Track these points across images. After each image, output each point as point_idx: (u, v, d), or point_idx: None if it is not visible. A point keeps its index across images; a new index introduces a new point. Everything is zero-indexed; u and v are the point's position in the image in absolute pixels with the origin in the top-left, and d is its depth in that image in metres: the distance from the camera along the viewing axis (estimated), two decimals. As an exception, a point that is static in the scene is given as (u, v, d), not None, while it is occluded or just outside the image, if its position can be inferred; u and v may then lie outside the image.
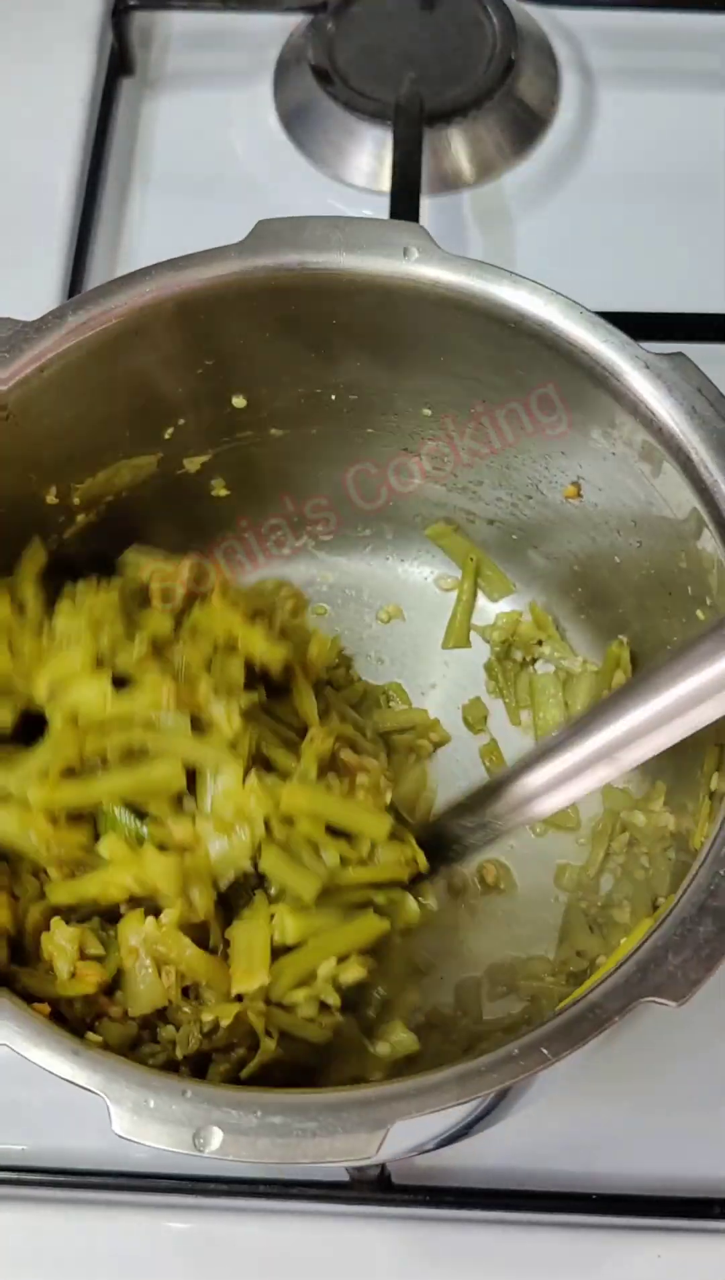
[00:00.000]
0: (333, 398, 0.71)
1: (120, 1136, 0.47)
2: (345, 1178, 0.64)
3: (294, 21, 0.99)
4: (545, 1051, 0.47)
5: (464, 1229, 0.65)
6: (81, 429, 0.66)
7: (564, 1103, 0.68)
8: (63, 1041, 0.49)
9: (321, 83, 0.95)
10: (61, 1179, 0.66)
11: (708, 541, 0.59)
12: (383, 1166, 0.64)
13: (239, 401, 0.70)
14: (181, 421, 0.70)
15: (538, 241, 0.92)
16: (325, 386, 0.70)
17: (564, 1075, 0.66)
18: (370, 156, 0.94)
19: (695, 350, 0.60)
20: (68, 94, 0.96)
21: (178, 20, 1.02)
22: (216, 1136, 0.47)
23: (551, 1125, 0.68)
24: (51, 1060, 0.49)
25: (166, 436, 0.70)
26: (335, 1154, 0.46)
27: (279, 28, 1.00)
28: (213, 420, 0.71)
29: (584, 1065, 0.68)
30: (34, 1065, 0.49)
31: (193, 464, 0.73)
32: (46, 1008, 0.53)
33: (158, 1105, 0.47)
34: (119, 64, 0.99)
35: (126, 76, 0.99)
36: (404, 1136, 0.49)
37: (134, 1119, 0.47)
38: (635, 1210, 0.65)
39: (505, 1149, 0.67)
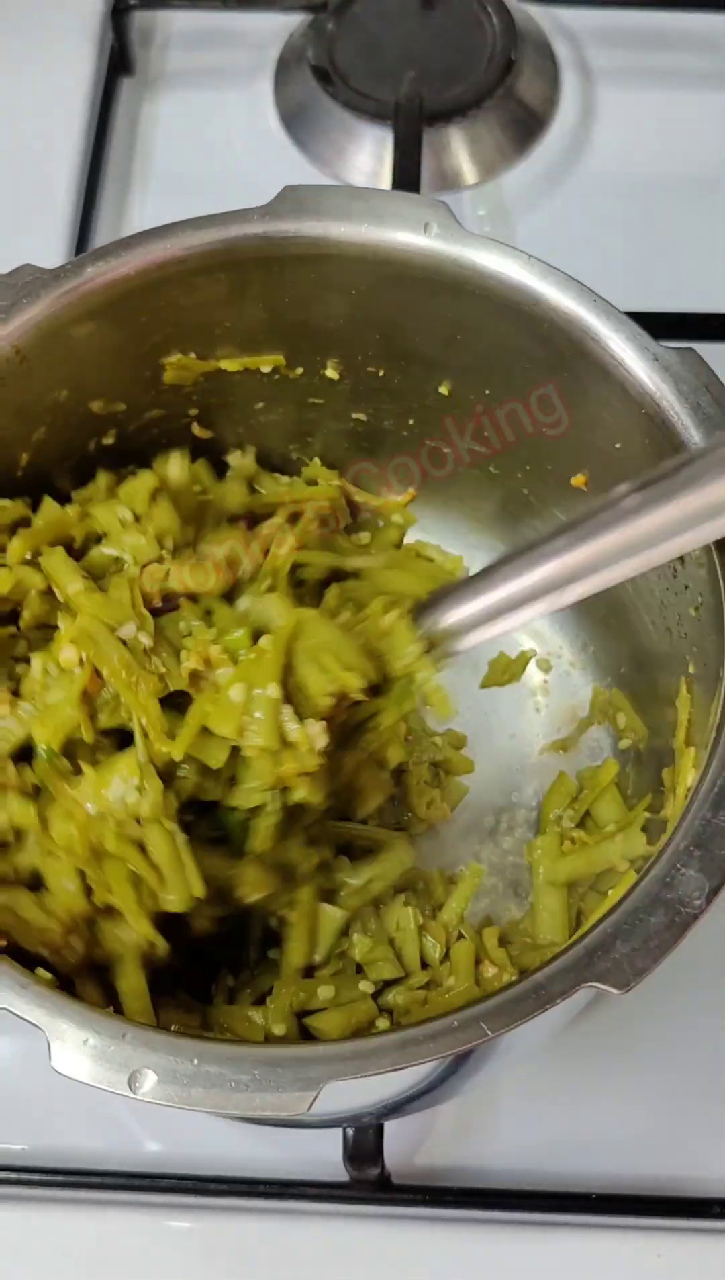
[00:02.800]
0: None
1: (57, 1072, 0.47)
2: (345, 1178, 0.64)
3: (294, 21, 0.99)
4: (484, 1026, 0.47)
5: (464, 1229, 0.65)
6: (92, 383, 0.66)
7: (563, 1103, 0.68)
8: (12, 975, 0.50)
9: (321, 82, 0.95)
10: (61, 1179, 0.66)
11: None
12: (382, 1166, 0.64)
13: (266, 365, 0.70)
14: (201, 381, 0.70)
15: (537, 241, 0.90)
16: (342, 357, 0.70)
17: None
18: (370, 156, 0.94)
19: (695, 349, 0.60)
20: (68, 94, 0.96)
21: (178, 20, 1.02)
22: (150, 1080, 0.47)
23: (551, 1125, 0.68)
24: None
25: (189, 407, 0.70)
26: (266, 1108, 0.46)
27: (279, 28, 1.00)
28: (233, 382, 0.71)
29: (583, 1065, 0.69)
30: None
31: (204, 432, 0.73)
32: (2, 940, 0.53)
33: (97, 1045, 0.48)
34: (119, 64, 0.99)
35: (126, 76, 1.00)
36: (340, 1098, 0.50)
37: (73, 1056, 0.48)
38: (635, 1210, 0.65)
39: (505, 1149, 0.67)
